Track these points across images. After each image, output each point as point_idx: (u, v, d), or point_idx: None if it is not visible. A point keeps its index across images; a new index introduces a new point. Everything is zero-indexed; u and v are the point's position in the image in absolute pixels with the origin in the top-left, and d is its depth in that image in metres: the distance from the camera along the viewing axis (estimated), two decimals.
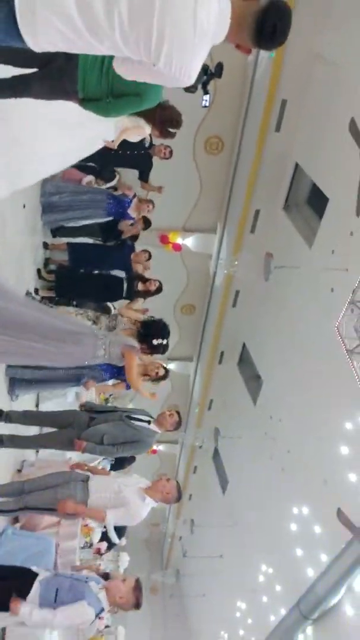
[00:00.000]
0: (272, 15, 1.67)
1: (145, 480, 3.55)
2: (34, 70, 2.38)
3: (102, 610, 2.85)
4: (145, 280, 5.64)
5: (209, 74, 4.63)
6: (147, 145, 5.67)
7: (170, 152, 5.93)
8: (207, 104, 5.08)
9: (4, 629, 4.10)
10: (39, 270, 5.37)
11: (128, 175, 7.11)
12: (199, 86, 4.74)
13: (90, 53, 1.82)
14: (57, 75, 2.38)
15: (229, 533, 10.83)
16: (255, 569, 9.01)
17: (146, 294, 5.69)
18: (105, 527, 3.49)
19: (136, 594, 3.00)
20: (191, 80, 1.75)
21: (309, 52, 6.15)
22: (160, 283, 5.69)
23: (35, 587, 2.73)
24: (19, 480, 3.64)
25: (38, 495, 3.21)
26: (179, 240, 9.16)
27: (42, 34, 1.62)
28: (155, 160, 6.29)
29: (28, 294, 4.69)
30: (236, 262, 7.06)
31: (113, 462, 7.69)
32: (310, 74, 6.38)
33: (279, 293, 7.53)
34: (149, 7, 1.56)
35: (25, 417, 3.89)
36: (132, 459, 8.13)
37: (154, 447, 14.07)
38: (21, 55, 2.29)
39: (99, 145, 3.95)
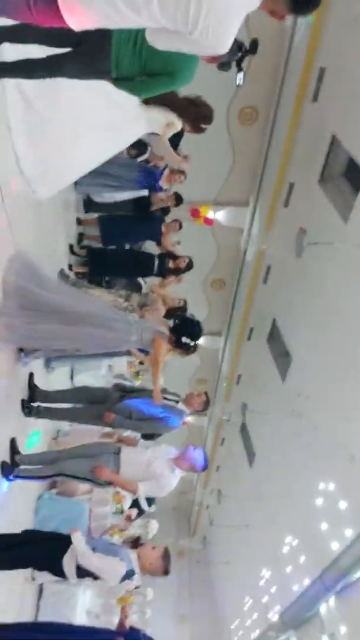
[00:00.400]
0: None
1: (174, 450, 3.66)
2: (68, 49, 2.38)
3: (133, 572, 3.02)
4: (175, 257, 5.64)
5: (244, 50, 4.49)
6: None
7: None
8: (242, 82, 4.94)
9: (41, 585, 4.39)
10: (71, 246, 5.45)
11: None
12: (233, 63, 4.61)
13: (128, 26, 1.85)
14: (91, 55, 2.37)
15: (255, 504, 11.03)
16: (281, 540, 9.18)
17: (177, 271, 5.70)
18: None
19: (165, 562, 3.19)
20: (226, 48, 1.79)
21: (348, 16, 5.86)
22: (190, 260, 5.69)
23: (80, 537, 2.95)
24: (54, 450, 3.81)
25: (74, 464, 3.36)
26: (210, 214, 9.06)
27: (80, 9, 1.66)
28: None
29: (62, 272, 4.76)
30: (267, 239, 6.93)
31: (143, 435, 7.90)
32: (351, 41, 6.09)
33: (311, 270, 7.41)
34: None
35: (59, 396, 4.03)
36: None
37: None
38: (55, 35, 2.29)
39: (131, 141, 3.91)
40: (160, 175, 5.83)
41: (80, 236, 5.78)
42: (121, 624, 3.32)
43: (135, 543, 3.93)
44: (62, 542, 2.97)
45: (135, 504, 5.98)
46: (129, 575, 3.00)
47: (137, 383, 7.09)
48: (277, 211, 8.25)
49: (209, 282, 10.79)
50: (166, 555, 3.22)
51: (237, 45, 4.74)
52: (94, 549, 2.94)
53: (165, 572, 3.23)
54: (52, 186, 3.65)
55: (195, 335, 3.74)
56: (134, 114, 3.52)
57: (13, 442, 3.48)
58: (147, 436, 7.58)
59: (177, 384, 7.00)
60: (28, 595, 4.07)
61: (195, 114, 3.68)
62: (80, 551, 2.86)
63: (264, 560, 10.58)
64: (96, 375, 5.49)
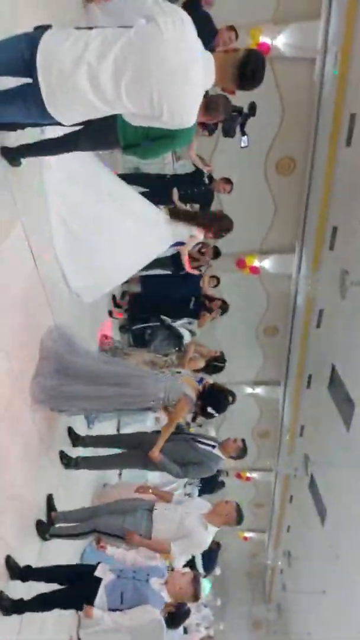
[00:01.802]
0: (250, 63, 2.09)
1: (207, 504, 3.57)
2: (79, 127, 2.67)
3: (165, 604, 2.96)
4: (211, 299, 5.74)
5: (244, 115, 4.79)
6: (207, 181, 5.81)
7: (231, 188, 6.03)
8: (246, 144, 5.22)
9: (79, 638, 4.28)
10: (114, 297, 5.70)
11: None
12: (237, 129, 4.91)
13: (109, 114, 2.22)
14: (100, 129, 2.66)
15: (331, 567, 10.20)
16: None
17: (211, 312, 5.79)
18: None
19: (194, 586, 3.11)
20: (191, 122, 2.13)
21: None
22: (224, 302, 5.75)
23: (101, 592, 2.91)
24: (89, 507, 3.83)
25: (107, 520, 3.37)
26: (255, 263, 9.16)
27: (67, 114, 2.10)
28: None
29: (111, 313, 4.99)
30: (311, 282, 6.87)
31: (201, 487, 7.69)
32: None
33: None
34: (147, 78, 1.99)
35: (97, 441, 4.11)
36: (221, 484, 8.05)
37: (247, 475, 13.84)
38: None
39: (160, 251, 4.35)
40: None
41: (124, 294, 6.05)
42: None
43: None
44: (89, 581, 2.97)
45: (190, 563, 5.77)
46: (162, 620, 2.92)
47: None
48: (322, 255, 8.20)
49: (262, 330, 10.72)
50: (196, 580, 3.12)
51: (237, 112, 5.05)
52: (122, 594, 2.89)
53: (195, 597, 3.14)
54: (94, 294, 4.25)
55: (221, 408, 3.78)
56: (162, 228, 4.08)
57: (50, 499, 3.53)
58: (207, 489, 7.37)
59: (239, 434, 6.80)
60: None
61: (218, 227, 4.31)
62: (106, 625, 2.82)
63: (346, 631, 9.61)
64: (142, 428, 5.52)
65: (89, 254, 3.81)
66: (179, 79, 1.98)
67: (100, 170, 3.91)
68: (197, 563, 5.91)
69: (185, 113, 2.08)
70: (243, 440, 4.01)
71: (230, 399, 3.98)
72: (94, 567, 3.11)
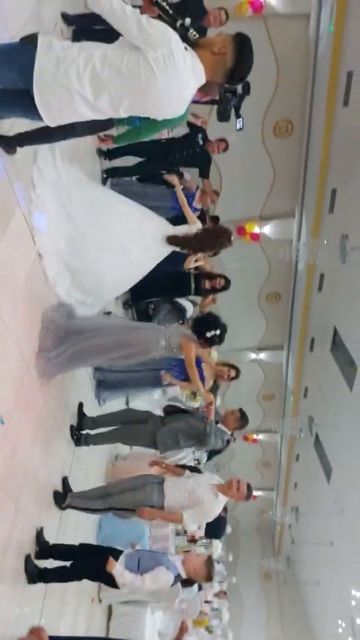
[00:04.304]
0: (238, 71, 2.16)
1: (217, 477, 3.70)
2: None
3: (179, 575, 3.15)
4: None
5: (239, 95, 4.66)
6: (201, 142, 5.70)
7: (226, 147, 5.89)
8: (242, 126, 5.10)
9: (110, 607, 4.57)
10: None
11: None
12: (232, 113, 4.80)
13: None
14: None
15: (337, 521, 10.60)
16: None
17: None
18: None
19: (208, 567, 3.30)
20: (183, 110, 2.18)
21: None
22: (226, 281, 5.73)
23: (121, 559, 3.13)
24: (103, 485, 3.98)
25: (120, 498, 3.50)
26: (256, 230, 9.11)
27: (58, 118, 2.17)
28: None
29: (108, 314, 5.01)
30: (314, 247, 6.87)
31: (209, 451, 7.92)
32: None
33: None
34: (144, 107, 2.12)
35: (105, 419, 4.24)
36: (227, 443, 8.30)
37: (254, 437, 14.19)
38: None
39: (157, 261, 4.21)
40: (193, 198, 5.96)
41: None
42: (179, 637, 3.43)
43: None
44: (114, 554, 3.16)
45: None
46: (177, 580, 3.12)
47: (196, 404, 7.16)
48: (322, 218, 8.14)
49: (264, 297, 10.76)
50: (209, 562, 3.31)
51: (232, 92, 4.91)
52: (139, 560, 3.08)
53: (209, 578, 3.33)
54: (96, 307, 4.16)
55: (216, 325, 3.77)
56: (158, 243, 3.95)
57: (65, 480, 3.67)
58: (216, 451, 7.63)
59: (243, 402, 6.96)
60: (97, 617, 4.25)
61: (217, 246, 4.12)
62: (123, 580, 3.01)
63: (353, 579, 10.09)
64: (150, 400, 5.67)
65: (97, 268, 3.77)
66: (176, 102, 2.12)
67: (92, 197, 3.78)
68: (188, 527, 6.08)
69: (182, 111, 2.21)
70: (240, 410, 4.12)
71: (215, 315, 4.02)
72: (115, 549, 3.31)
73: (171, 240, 3.89)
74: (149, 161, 5.62)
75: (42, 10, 3.51)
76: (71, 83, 2.00)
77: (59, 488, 3.62)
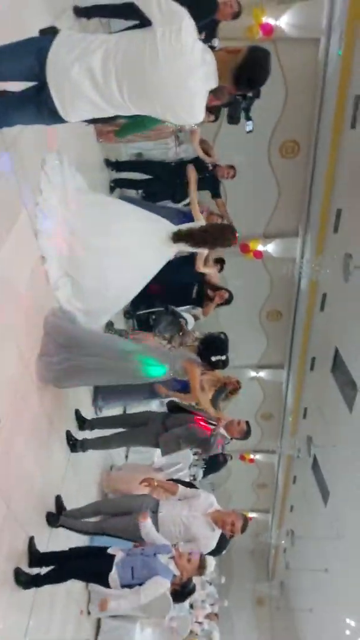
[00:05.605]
0: (247, 70, 2.10)
1: (213, 499, 3.62)
2: None
3: (174, 576, 3.08)
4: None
5: (248, 98, 4.72)
6: (210, 167, 5.78)
7: (234, 174, 5.98)
8: (251, 129, 5.18)
9: (99, 620, 4.44)
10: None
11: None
12: (241, 115, 4.85)
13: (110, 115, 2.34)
14: None
15: (333, 546, 10.41)
16: None
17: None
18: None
19: (200, 560, 3.24)
20: (199, 119, 2.21)
21: None
22: (230, 294, 5.71)
23: (114, 571, 3.04)
24: (96, 502, 3.90)
25: (114, 522, 3.45)
26: (259, 248, 9.15)
27: (76, 116, 2.21)
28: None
29: (109, 324, 5.00)
30: (315, 266, 6.88)
31: (205, 468, 7.82)
32: None
33: None
34: (149, 95, 2.10)
35: (104, 423, 4.19)
36: (224, 462, 8.19)
37: (251, 456, 14.02)
38: None
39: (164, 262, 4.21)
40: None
41: None
42: None
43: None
44: (107, 558, 3.09)
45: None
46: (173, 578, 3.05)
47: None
48: (326, 238, 8.18)
49: (265, 315, 10.75)
50: (202, 566, 3.24)
51: (242, 96, 4.96)
52: (132, 569, 3.01)
53: (201, 567, 3.26)
54: (103, 319, 4.23)
55: (222, 349, 3.78)
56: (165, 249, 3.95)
57: (58, 499, 3.57)
58: (212, 469, 7.47)
59: (243, 417, 6.86)
60: (85, 630, 4.13)
61: (220, 244, 4.11)
62: (123, 612, 2.95)
63: (348, 607, 9.85)
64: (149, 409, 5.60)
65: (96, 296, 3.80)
66: (180, 91, 2.08)
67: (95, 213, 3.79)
68: None
69: (190, 116, 2.19)
70: (247, 423, 4.09)
71: (223, 336, 4.01)
72: (105, 548, 3.24)
73: (176, 236, 3.89)
74: (157, 179, 5.70)
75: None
76: (83, 71, 2.03)
77: (54, 493, 3.56)
